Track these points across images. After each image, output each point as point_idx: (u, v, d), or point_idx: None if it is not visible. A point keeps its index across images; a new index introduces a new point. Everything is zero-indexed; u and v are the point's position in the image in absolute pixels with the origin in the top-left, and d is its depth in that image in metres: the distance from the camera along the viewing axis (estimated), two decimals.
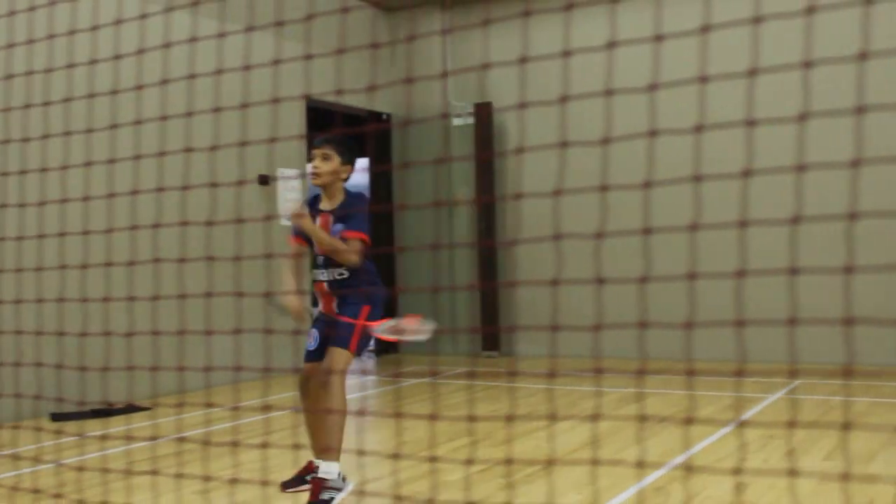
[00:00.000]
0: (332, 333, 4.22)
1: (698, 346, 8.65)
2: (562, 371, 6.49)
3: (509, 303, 10.44)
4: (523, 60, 2.51)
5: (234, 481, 3.52)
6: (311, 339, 4.37)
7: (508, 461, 3.40)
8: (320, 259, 4.34)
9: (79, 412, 6.56)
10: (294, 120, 9.03)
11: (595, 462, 4.51)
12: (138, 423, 6.21)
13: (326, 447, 4.07)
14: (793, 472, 2.65)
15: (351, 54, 9.49)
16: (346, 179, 4.38)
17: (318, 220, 4.32)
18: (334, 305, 4.31)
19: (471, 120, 10.46)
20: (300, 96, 8.80)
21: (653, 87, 2.31)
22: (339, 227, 4.28)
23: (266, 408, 5.75)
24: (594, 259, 7.25)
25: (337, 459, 4.07)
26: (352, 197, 4.40)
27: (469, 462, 4.31)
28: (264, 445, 3.56)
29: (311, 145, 4.36)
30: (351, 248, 4.19)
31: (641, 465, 4.45)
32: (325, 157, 4.28)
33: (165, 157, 3.55)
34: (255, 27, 5.19)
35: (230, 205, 7.45)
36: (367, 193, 4.42)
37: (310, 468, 4.35)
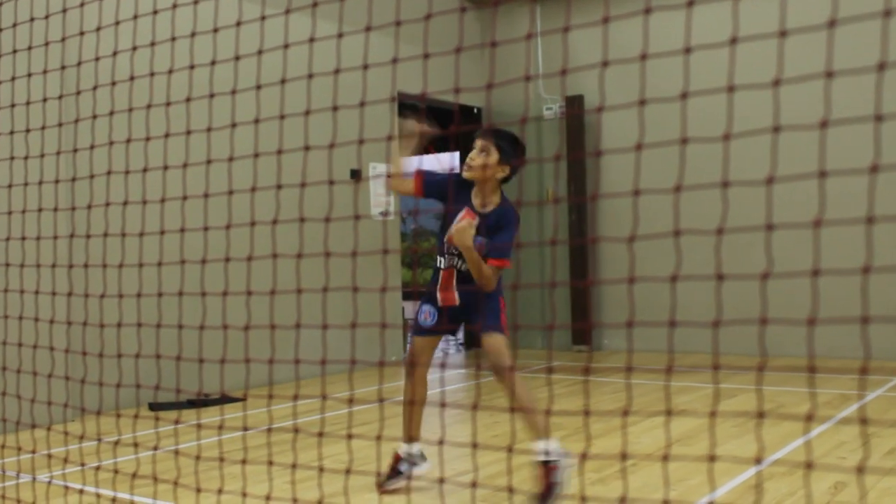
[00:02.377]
0: (475, 318, 4.09)
1: (797, 343, 8.48)
2: (652, 367, 6.43)
3: (601, 296, 10.36)
4: (643, 57, 2.49)
5: (321, 471, 3.58)
6: (428, 316, 4.24)
7: (624, 455, 3.39)
8: (450, 248, 4.15)
9: (175, 402, 6.77)
10: (383, 113, 9.09)
11: (698, 457, 4.46)
12: (231, 413, 6.36)
13: (535, 429, 3.91)
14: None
15: (439, 47, 9.52)
16: (502, 181, 4.11)
17: (462, 212, 4.09)
18: (455, 294, 4.17)
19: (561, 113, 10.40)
20: (391, 95, 8.87)
21: (776, 83, 2.26)
22: (479, 239, 4.01)
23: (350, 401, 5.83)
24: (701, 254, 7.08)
25: (549, 435, 3.88)
26: (506, 210, 4.10)
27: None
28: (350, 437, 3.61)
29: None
30: (492, 275, 3.99)
31: (736, 462, 4.38)
32: (483, 150, 4.03)
33: (259, 147, 3.62)
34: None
35: (320, 200, 7.54)
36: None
37: (397, 459, 4.32)
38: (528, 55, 10.72)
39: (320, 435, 3.23)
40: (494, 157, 4.01)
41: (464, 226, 3.95)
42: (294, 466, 3.23)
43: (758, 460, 4.56)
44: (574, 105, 10.20)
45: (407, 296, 11.97)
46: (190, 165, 3.74)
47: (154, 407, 6.69)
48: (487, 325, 4.03)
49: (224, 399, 6.86)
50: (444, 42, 9.67)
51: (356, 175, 8.95)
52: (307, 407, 6.44)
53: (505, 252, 4.00)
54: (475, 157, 4.02)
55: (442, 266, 4.21)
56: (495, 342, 3.99)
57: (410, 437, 4.32)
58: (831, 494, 3.97)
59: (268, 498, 3.23)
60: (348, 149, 8.28)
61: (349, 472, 3.10)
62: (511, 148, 4.06)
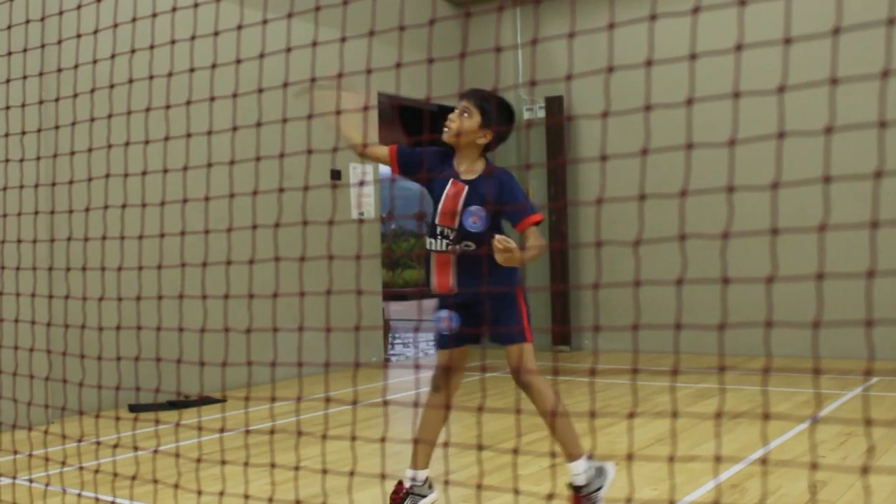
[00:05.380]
0: (492, 327, 3.58)
1: (775, 343, 8.53)
2: (637, 366, 6.45)
3: (580, 296, 10.39)
4: (643, 67, 2.52)
5: (297, 469, 3.60)
6: (449, 323, 3.64)
7: (589, 456, 3.41)
8: (442, 228, 3.63)
9: (155, 403, 6.76)
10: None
11: (671, 458, 4.49)
12: (211, 414, 6.36)
13: (569, 453, 3.62)
14: (875, 470, 2.62)
15: (418, 48, 9.53)
16: (483, 147, 3.66)
17: (449, 186, 3.63)
18: (454, 282, 3.60)
19: (542, 114, 10.41)
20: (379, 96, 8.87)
21: (781, 89, 2.26)
22: (475, 207, 3.57)
23: (328, 401, 5.84)
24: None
25: (582, 454, 3.61)
26: (496, 174, 3.60)
27: (546, 456, 4.32)
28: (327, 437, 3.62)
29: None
30: (537, 239, 3.50)
31: (718, 461, 4.40)
32: (465, 111, 3.63)
33: (236, 151, 3.62)
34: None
35: (298, 201, 7.52)
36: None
37: (400, 491, 3.75)
38: (508, 57, 10.75)
39: (299, 434, 3.25)
40: (477, 119, 3.62)
41: (505, 250, 3.37)
42: (273, 466, 3.25)
43: (737, 460, 4.60)
44: (554, 105, 10.23)
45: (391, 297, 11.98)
46: (170, 171, 3.75)
47: (134, 408, 6.68)
48: (507, 335, 3.61)
49: (204, 400, 6.86)
50: (422, 42, 9.70)
51: (337, 175, 8.93)
52: (286, 408, 6.45)
53: (529, 206, 3.55)
54: (454, 119, 3.64)
55: (434, 248, 3.66)
56: (521, 354, 3.61)
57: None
58: (810, 493, 4.01)
59: (246, 497, 3.25)
60: (328, 149, 8.27)
61: (325, 471, 3.12)
62: (496, 111, 3.65)
